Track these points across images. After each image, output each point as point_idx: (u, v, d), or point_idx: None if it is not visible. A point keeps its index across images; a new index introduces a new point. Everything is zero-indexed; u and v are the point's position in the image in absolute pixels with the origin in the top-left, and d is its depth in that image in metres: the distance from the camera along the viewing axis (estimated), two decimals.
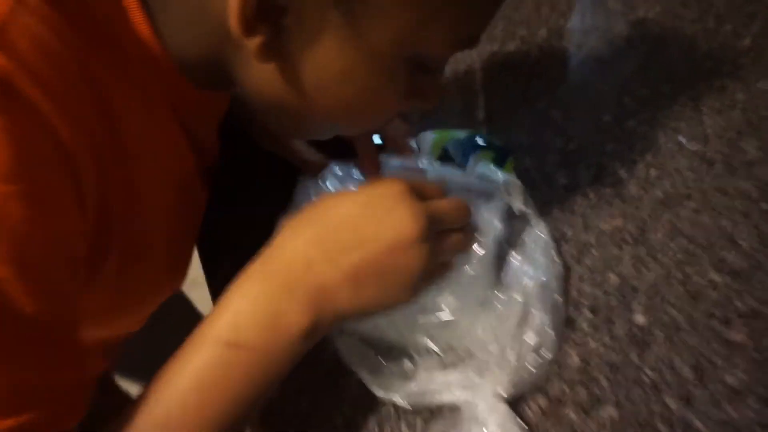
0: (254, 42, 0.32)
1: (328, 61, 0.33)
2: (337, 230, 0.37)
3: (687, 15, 0.73)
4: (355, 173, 0.55)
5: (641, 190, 0.56)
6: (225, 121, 0.52)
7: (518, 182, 0.52)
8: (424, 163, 0.56)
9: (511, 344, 0.45)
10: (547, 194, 0.57)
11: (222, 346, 0.34)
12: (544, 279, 0.46)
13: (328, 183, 0.54)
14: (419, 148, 0.58)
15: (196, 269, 0.56)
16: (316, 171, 0.55)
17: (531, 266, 0.47)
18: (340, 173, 0.55)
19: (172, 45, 0.35)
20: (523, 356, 0.45)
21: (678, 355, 0.45)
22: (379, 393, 0.44)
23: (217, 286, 0.55)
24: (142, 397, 0.34)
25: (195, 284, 0.62)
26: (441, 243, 0.39)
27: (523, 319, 0.45)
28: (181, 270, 0.48)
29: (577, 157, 0.60)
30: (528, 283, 0.46)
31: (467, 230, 0.42)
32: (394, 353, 0.47)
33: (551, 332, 0.46)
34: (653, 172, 0.57)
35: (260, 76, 0.35)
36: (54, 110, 0.28)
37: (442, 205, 0.39)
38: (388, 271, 0.36)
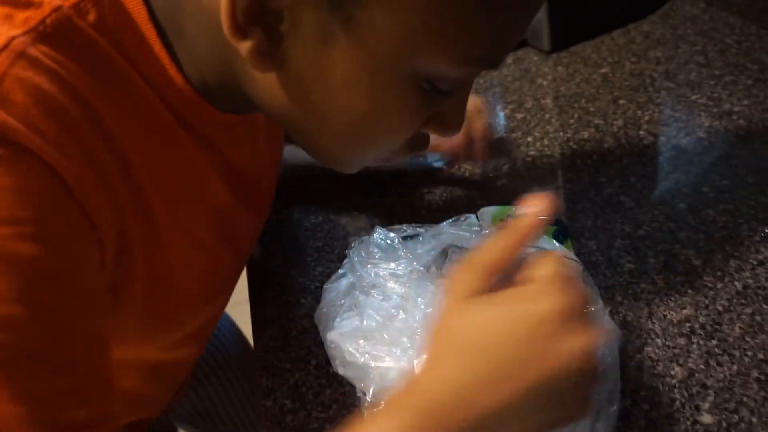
0: (245, 46, 0.31)
1: (329, 70, 0.33)
2: (496, 359, 0.31)
3: None
4: (391, 237, 0.54)
5: (718, 281, 0.51)
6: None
7: (577, 259, 0.50)
8: (484, 234, 0.54)
9: None
10: (610, 279, 0.53)
11: None
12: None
13: (374, 245, 0.54)
14: (480, 222, 0.57)
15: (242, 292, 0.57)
16: None
17: None
18: (381, 241, 0.55)
19: (191, 71, 0.36)
20: None
21: None
22: None
23: (259, 313, 0.55)
24: None
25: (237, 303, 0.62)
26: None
27: None
28: (220, 299, 0.48)
29: (647, 243, 0.56)
30: None
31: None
32: None
33: (600, 427, 0.41)
34: (733, 263, 0.53)
35: (266, 88, 0.35)
36: (54, 154, 0.29)
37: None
38: (562, 393, 0.31)
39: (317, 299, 0.55)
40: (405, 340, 0.46)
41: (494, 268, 0.34)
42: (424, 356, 0.34)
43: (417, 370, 0.34)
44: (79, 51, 0.31)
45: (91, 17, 0.32)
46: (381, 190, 0.68)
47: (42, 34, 0.30)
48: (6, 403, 0.27)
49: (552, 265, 0.33)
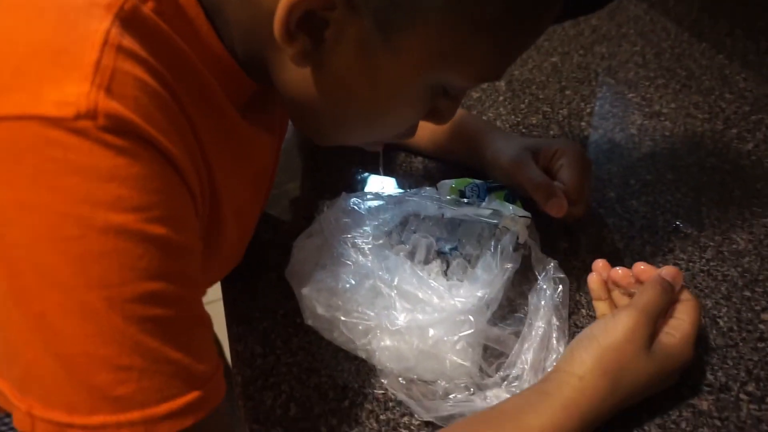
0: (293, 48, 0.35)
1: (361, 74, 0.37)
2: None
3: (698, 115, 0.79)
4: (358, 203, 0.60)
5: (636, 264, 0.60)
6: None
7: (527, 213, 0.57)
8: (443, 202, 0.61)
9: None
10: (549, 256, 0.61)
11: None
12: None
13: (341, 210, 0.59)
14: (439, 193, 0.63)
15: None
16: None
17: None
18: (348, 206, 0.60)
19: (228, 45, 0.39)
20: None
21: (646, 413, 0.48)
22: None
23: (231, 303, 0.60)
24: None
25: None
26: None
27: None
28: (245, 241, 0.54)
29: (579, 226, 0.64)
30: None
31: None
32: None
33: None
34: (648, 249, 0.62)
35: (294, 78, 0.39)
36: (165, 142, 0.32)
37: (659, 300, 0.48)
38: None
39: (283, 254, 0.60)
40: (372, 301, 0.52)
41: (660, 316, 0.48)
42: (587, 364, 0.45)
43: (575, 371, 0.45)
44: (152, 38, 0.33)
45: (150, 4, 0.33)
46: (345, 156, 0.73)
47: (124, 22, 0.31)
48: (174, 353, 0.33)
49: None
